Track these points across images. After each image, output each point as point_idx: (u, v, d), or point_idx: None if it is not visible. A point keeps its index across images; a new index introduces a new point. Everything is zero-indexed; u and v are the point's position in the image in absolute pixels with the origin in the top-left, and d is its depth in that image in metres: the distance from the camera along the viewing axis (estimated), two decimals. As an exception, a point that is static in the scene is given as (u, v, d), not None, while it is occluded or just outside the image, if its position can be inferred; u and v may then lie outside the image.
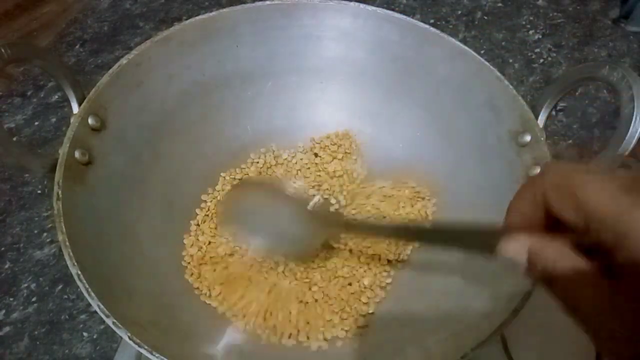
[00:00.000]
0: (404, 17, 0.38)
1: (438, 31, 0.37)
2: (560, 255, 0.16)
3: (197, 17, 0.37)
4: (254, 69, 0.41)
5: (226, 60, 0.40)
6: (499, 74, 0.35)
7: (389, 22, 0.39)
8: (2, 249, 0.46)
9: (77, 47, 0.65)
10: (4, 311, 0.42)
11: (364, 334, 0.33)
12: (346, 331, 0.32)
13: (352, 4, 0.39)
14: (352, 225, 0.35)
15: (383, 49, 0.40)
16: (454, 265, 0.34)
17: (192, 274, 0.34)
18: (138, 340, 0.24)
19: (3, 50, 0.27)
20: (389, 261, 0.36)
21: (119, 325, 0.24)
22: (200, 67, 0.39)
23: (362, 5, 0.39)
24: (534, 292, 0.26)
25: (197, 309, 0.33)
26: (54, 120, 0.56)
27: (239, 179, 0.40)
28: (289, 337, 0.32)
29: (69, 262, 0.25)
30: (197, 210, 0.38)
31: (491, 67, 0.35)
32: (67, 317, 0.42)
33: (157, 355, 0.24)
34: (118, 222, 0.32)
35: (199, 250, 0.36)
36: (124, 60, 0.34)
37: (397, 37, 0.39)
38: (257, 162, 0.42)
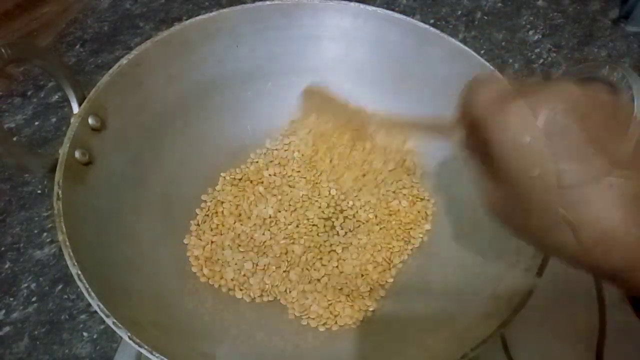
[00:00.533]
0: (404, 17, 0.39)
1: (438, 31, 0.37)
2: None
3: (197, 18, 0.37)
4: (254, 69, 0.41)
5: (226, 60, 0.40)
6: (499, 74, 0.35)
7: (389, 22, 0.39)
8: (2, 248, 0.46)
9: (78, 47, 0.66)
10: (4, 311, 0.42)
11: (363, 333, 0.33)
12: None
13: (352, 4, 0.39)
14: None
15: (383, 49, 0.40)
16: (454, 266, 0.34)
17: (200, 273, 0.35)
18: (138, 340, 0.24)
19: (3, 50, 0.27)
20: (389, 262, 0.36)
21: (119, 325, 0.24)
22: (201, 67, 0.39)
23: (362, 6, 0.39)
24: (534, 292, 0.26)
25: (198, 308, 0.33)
26: (54, 120, 0.56)
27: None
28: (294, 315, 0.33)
29: (69, 262, 0.25)
30: (197, 210, 0.38)
31: (491, 67, 0.35)
32: (67, 317, 0.42)
33: (157, 355, 0.24)
34: (118, 222, 0.32)
35: (203, 250, 0.36)
36: (124, 60, 0.34)
37: (397, 37, 0.39)
38: (257, 162, 0.42)
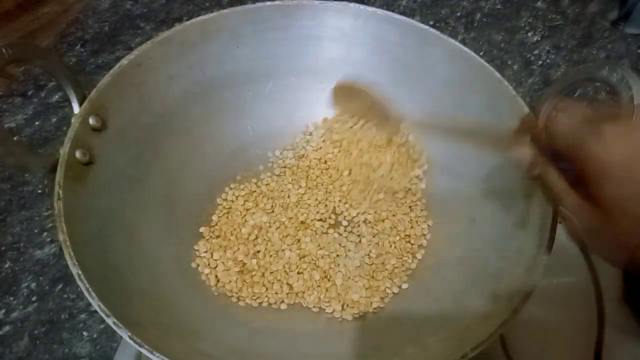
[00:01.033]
0: (404, 18, 0.39)
1: (438, 32, 0.38)
2: (549, 171, 0.23)
3: (198, 18, 0.37)
4: (254, 70, 0.41)
5: (227, 60, 0.40)
6: (498, 75, 0.35)
7: (389, 23, 0.39)
8: (3, 248, 0.46)
9: (78, 47, 0.66)
10: (4, 310, 0.42)
11: (364, 332, 0.33)
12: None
13: (352, 5, 0.39)
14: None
15: (383, 50, 0.40)
16: (453, 266, 0.34)
17: (206, 272, 0.35)
18: (139, 340, 0.24)
19: (4, 50, 0.27)
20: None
21: (120, 325, 0.24)
22: (201, 68, 0.39)
23: (362, 6, 0.39)
24: (534, 292, 0.26)
25: (198, 308, 0.33)
26: (54, 120, 0.56)
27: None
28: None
29: (69, 262, 0.25)
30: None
31: (491, 68, 0.35)
32: (67, 316, 0.42)
33: (157, 354, 0.24)
34: (119, 221, 0.32)
35: (207, 250, 0.36)
36: (124, 61, 0.34)
37: (397, 38, 0.39)
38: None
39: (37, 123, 0.56)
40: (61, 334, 0.41)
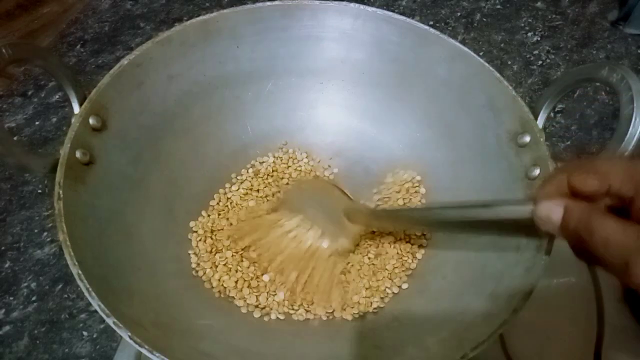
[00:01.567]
0: (404, 18, 0.39)
1: (438, 32, 0.38)
2: (596, 212, 0.19)
3: (198, 18, 0.37)
4: (254, 70, 0.41)
5: (227, 60, 0.40)
6: (498, 75, 0.35)
7: (389, 23, 0.39)
8: (3, 248, 0.46)
9: (78, 47, 0.66)
10: (4, 310, 0.42)
11: (364, 332, 0.33)
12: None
13: (352, 5, 0.39)
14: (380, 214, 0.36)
15: (383, 50, 0.40)
16: (453, 266, 0.34)
17: (206, 272, 0.35)
18: (139, 340, 0.24)
19: (4, 50, 0.27)
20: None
21: (120, 324, 0.24)
22: (201, 68, 0.39)
23: (362, 7, 0.39)
24: (534, 292, 0.26)
25: (198, 308, 0.33)
26: (54, 120, 0.56)
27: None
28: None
29: (69, 262, 0.25)
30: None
31: (491, 68, 0.35)
32: (67, 316, 0.42)
33: (157, 354, 0.24)
34: (119, 221, 0.32)
35: (208, 251, 0.36)
36: (124, 61, 0.34)
37: (397, 38, 0.39)
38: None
39: (37, 123, 0.56)
40: (61, 334, 0.41)
